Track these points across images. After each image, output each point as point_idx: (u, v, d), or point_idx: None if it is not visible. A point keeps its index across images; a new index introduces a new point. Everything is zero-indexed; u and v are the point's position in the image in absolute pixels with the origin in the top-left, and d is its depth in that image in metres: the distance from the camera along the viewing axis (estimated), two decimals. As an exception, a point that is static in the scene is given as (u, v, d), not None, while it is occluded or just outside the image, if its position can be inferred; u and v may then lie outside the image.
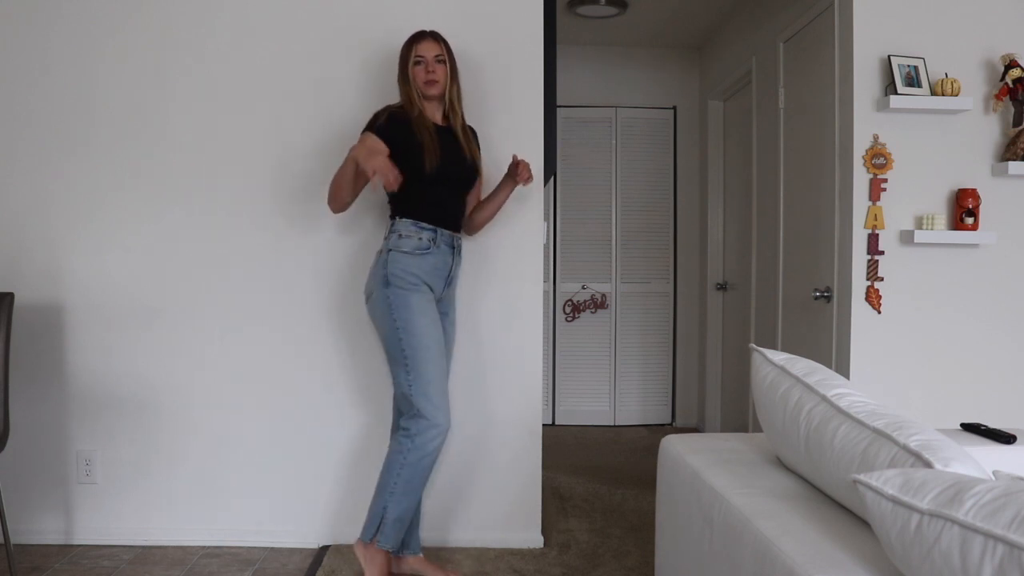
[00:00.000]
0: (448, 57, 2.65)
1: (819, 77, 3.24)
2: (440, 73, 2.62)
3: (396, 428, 2.71)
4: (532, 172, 2.74)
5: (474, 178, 2.72)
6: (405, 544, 2.70)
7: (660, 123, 5.29)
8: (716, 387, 4.93)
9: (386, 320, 2.53)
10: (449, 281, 2.69)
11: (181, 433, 3.02)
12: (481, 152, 2.82)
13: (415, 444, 2.49)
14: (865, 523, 1.34)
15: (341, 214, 2.83)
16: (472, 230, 2.87)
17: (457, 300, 2.89)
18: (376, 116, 2.59)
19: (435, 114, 2.67)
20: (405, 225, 2.58)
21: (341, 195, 2.61)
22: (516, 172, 2.70)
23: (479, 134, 2.89)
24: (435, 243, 2.60)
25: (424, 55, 2.61)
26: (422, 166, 2.53)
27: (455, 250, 2.68)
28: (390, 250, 2.57)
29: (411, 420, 2.51)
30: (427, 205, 2.59)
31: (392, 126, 2.54)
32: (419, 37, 2.65)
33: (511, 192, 2.80)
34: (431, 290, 2.60)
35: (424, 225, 2.59)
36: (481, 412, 2.99)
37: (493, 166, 2.96)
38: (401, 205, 2.61)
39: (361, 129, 2.63)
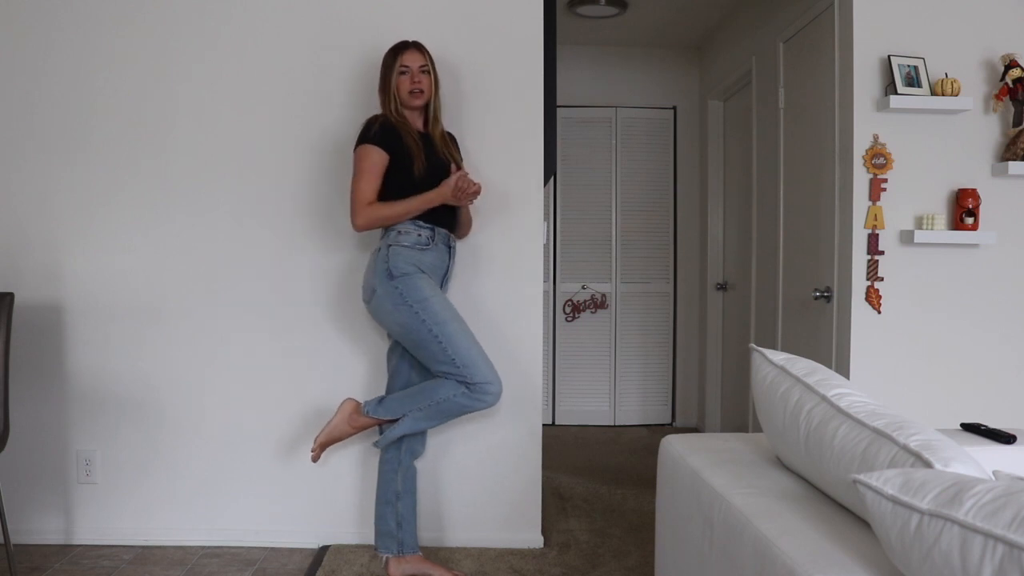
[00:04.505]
0: (432, 67, 2.67)
1: (819, 77, 3.24)
2: (425, 83, 2.65)
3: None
4: (470, 189, 2.57)
5: None
6: (405, 543, 2.70)
7: (660, 123, 5.29)
8: (716, 387, 4.93)
9: (401, 310, 2.54)
10: (445, 280, 2.74)
11: (181, 433, 3.02)
12: (461, 157, 2.82)
13: (472, 394, 2.55)
14: (865, 523, 1.34)
15: (342, 216, 2.84)
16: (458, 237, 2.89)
17: (451, 300, 2.89)
18: (368, 125, 2.62)
19: (416, 123, 2.71)
20: (403, 223, 2.61)
21: (382, 223, 2.60)
22: (453, 187, 2.56)
23: (479, 135, 2.90)
24: (433, 241, 2.64)
25: (409, 65, 2.63)
26: (412, 172, 2.56)
27: (451, 250, 2.73)
28: (390, 245, 2.60)
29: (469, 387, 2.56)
30: None
31: (385, 134, 2.59)
32: (403, 47, 2.66)
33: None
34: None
35: (422, 224, 2.62)
36: (481, 411, 2.99)
37: (493, 166, 2.97)
38: None
39: (354, 135, 2.67)
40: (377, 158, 2.58)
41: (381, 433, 2.67)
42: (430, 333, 2.52)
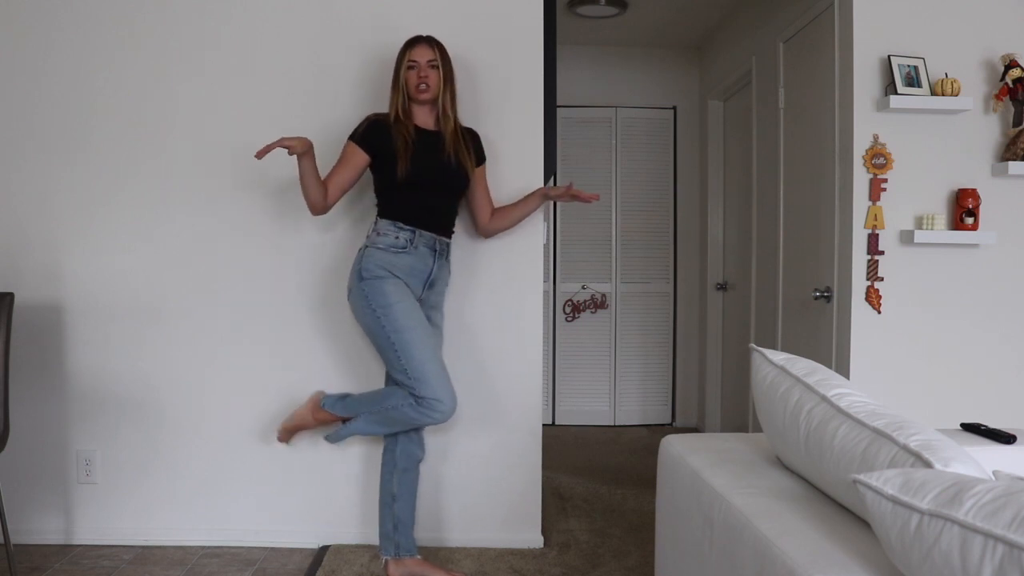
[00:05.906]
0: (442, 62, 2.65)
1: (819, 77, 3.24)
2: (433, 78, 2.63)
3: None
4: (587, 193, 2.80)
5: (462, 182, 2.71)
6: (402, 546, 2.70)
7: (660, 123, 5.29)
8: (716, 387, 4.93)
9: (366, 312, 2.56)
10: (431, 284, 2.69)
11: (181, 433, 3.02)
12: (480, 155, 2.82)
13: (419, 408, 2.53)
14: (865, 523, 1.34)
15: (340, 216, 2.84)
16: (490, 233, 2.90)
17: (447, 303, 2.88)
18: (360, 124, 2.66)
19: (427, 119, 2.69)
20: (384, 224, 2.63)
21: (307, 196, 2.59)
22: (576, 195, 2.76)
23: (479, 135, 2.89)
24: (412, 244, 2.61)
25: (418, 60, 2.63)
26: (395, 172, 2.57)
27: (437, 253, 2.68)
28: (367, 246, 2.62)
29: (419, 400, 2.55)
30: (407, 208, 2.62)
31: (371, 134, 2.61)
32: (414, 42, 2.66)
33: (538, 206, 2.89)
34: (407, 286, 2.61)
35: (402, 226, 2.61)
36: (481, 412, 2.99)
37: (494, 166, 2.96)
38: (384, 207, 2.67)
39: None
40: (350, 153, 2.63)
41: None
42: (388, 340, 2.53)
